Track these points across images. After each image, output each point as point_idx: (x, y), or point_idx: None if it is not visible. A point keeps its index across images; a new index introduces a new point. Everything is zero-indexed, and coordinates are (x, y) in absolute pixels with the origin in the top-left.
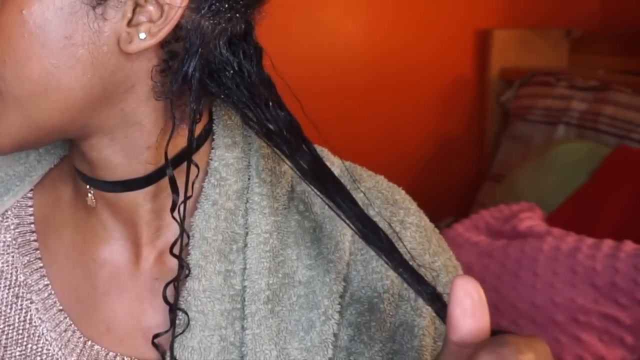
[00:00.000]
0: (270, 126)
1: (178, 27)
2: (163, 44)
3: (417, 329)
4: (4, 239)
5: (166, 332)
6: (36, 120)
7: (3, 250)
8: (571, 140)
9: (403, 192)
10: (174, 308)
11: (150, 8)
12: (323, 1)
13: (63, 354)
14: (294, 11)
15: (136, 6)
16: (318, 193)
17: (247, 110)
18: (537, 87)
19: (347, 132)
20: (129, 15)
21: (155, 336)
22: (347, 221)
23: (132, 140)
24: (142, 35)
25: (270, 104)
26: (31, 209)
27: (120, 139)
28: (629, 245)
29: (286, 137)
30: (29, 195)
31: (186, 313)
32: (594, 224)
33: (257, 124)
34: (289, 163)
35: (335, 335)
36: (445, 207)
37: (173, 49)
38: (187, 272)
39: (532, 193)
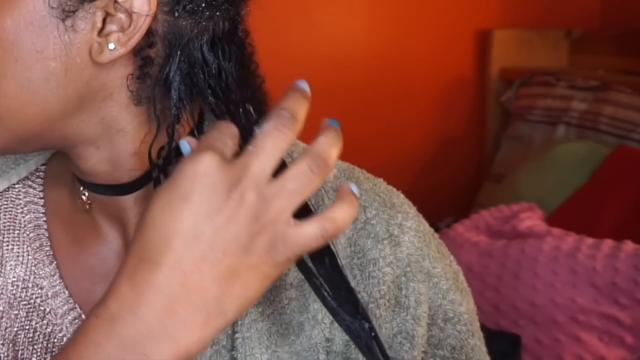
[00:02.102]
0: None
1: (150, 33)
2: (136, 52)
3: (417, 338)
4: (21, 218)
5: None
6: (15, 131)
7: (19, 229)
8: (571, 140)
9: (402, 195)
10: None
11: (121, 16)
12: (323, 1)
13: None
14: (294, 11)
15: (106, 15)
16: None
17: (221, 114)
18: (537, 87)
19: (347, 131)
20: (99, 25)
21: None
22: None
23: (117, 148)
24: (112, 46)
25: (241, 109)
26: (42, 200)
27: (106, 147)
28: (629, 245)
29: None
30: (39, 189)
31: None
32: (594, 224)
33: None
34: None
35: (328, 340)
36: (445, 207)
37: (147, 55)
38: None
39: (532, 193)
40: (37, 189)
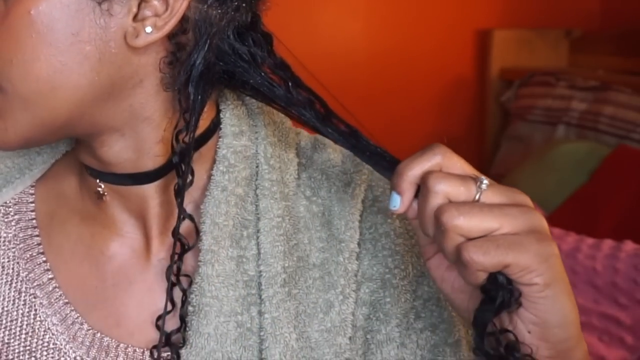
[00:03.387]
0: (296, 104)
1: (184, 19)
2: (170, 36)
3: (444, 301)
4: (5, 235)
5: (178, 329)
6: (44, 118)
7: (4, 245)
8: (571, 140)
9: None
10: (168, 292)
11: (155, 2)
12: (323, 1)
13: (71, 347)
14: (294, 10)
15: (141, 1)
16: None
17: (268, 97)
18: (537, 87)
19: None
20: (135, 10)
21: (158, 319)
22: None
23: (143, 136)
24: (149, 30)
25: (290, 84)
26: (32, 204)
27: (131, 135)
28: (629, 245)
29: (316, 112)
30: (30, 191)
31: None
32: (594, 224)
33: (281, 106)
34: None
35: (352, 314)
36: None
37: (180, 41)
38: (186, 247)
39: (532, 193)
40: (29, 198)
